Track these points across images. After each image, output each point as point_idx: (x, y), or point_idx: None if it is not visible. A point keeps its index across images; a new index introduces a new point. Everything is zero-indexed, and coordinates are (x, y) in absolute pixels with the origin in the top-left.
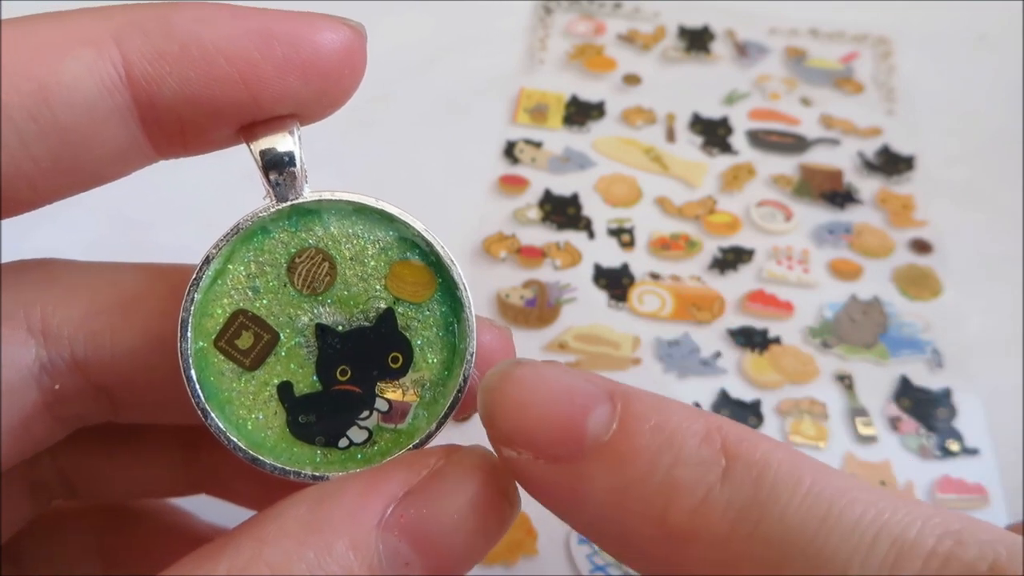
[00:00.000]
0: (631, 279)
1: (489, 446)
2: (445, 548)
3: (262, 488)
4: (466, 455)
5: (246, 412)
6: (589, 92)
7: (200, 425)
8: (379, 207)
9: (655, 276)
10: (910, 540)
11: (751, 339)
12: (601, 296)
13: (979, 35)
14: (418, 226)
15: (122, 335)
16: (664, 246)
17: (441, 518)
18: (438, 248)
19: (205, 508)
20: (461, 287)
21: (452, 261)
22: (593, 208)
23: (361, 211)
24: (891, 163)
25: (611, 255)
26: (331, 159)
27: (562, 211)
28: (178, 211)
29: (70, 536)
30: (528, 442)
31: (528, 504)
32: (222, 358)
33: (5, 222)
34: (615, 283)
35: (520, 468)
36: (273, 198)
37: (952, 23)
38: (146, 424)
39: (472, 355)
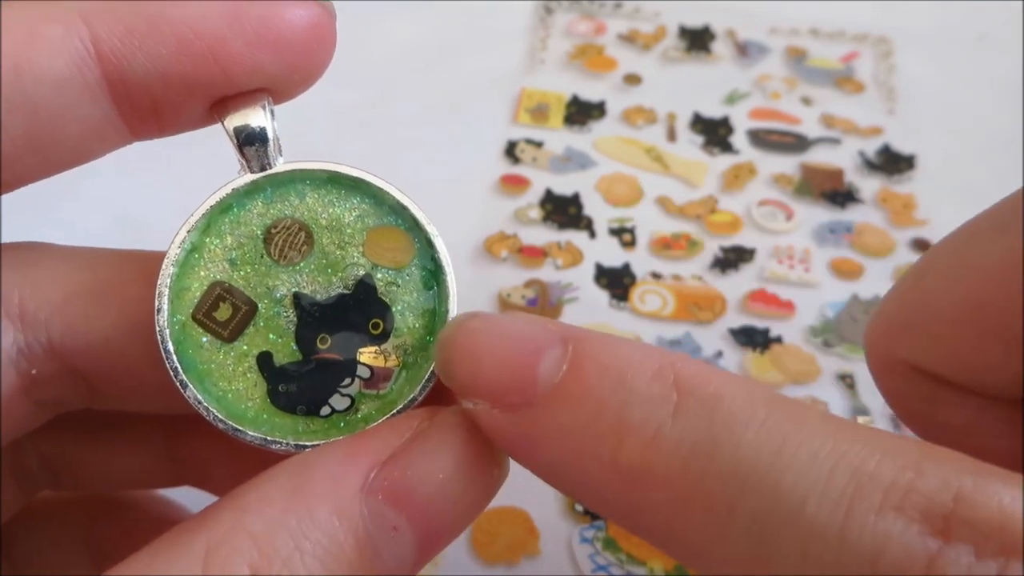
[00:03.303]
0: (632, 279)
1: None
2: (433, 510)
3: (244, 477)
4: (449, 415)
5: (226, 384)
6: (590, 92)
7: (182, 415)
8: (353, 174)
9: (656, 276)
10: (868, 473)
11: (753, 338)
12: (602, 296)
13: (979, 35)
14: (393, 191)
15: (97, 321)
16: (665, 246)
17: (426, 480)
18: (415, 212)
19: (197, 501)
20: (439, 250)
21: (429, 225)
22: (594, 208)
23: (335, 179)
24: (892, 162)
25: (612, 255)
26: (331, 159)
27: (563, 211)
28: (177, 209)
29: (59, 529)
30: (483, 391)
31: (530, 504)
32: (200, 330)
33: (5, 221)
34: (616, 283)
35: (480, 418)
36: (247, 171)
37: (952, 23)
38: (128, 414)
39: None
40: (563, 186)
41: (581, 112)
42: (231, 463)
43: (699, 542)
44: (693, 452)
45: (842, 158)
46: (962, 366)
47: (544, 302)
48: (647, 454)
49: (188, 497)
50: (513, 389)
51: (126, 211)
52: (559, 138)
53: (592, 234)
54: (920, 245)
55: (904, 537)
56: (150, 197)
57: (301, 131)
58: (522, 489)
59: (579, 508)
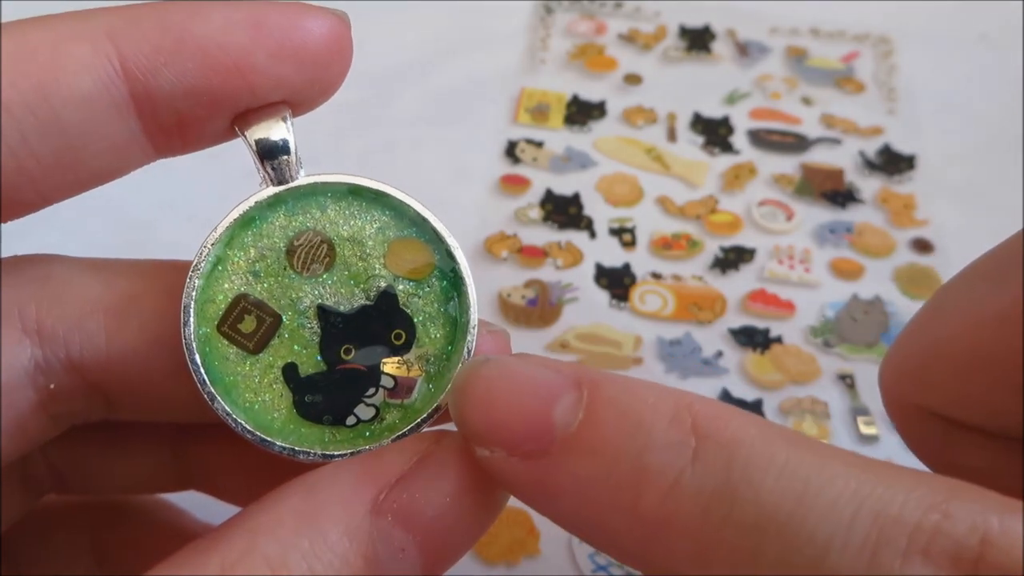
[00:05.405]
0: (632, 279)
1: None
2: (438, 532)
3: (249, 483)
4: (456, 439)
5: (252, 395)
6: (590, 92)
7: (191, 421)
8: (374, 187)
9: (656, 276)
10: (893, 516)
11: (753, 339)
12: (603, 296)
13: (980, 34)
14: (414, 204)
15: (117, 336)
16: (665, 246)
17: (433, 502)
18: (435, 224)
19: (202, 506)
20: (459, 262)
21: (449, 237)
22: (594, 208)
23: (356, 192)
24: (892, 162)
25: (612, 255)
26: (331, 159)
27: (563, 211)
28: (178, 211)
29: (63, 534)
30: (498, 440)
31: None
32: (226, 343)
33: (4, 224)
34: (616, 283)
35: (494, 467)
36: (269, 184)
37: (953, 22)
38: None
39: (474, 328)
40: (563, 186)
41: (581, 112)
42: (237, 468)
43: None
44: (713, 500)
45: (842, 158)
46: (975, 411)
47: (544, 302)
48: (667, 503)
49: (193, 502)
50: (529, 438)
51: (125, 213)
52: (559, 138)
53: (592, 234)
54: (920, 245)
55: None
56: (149, 198)
57: (302, 132)
58: None
59: None
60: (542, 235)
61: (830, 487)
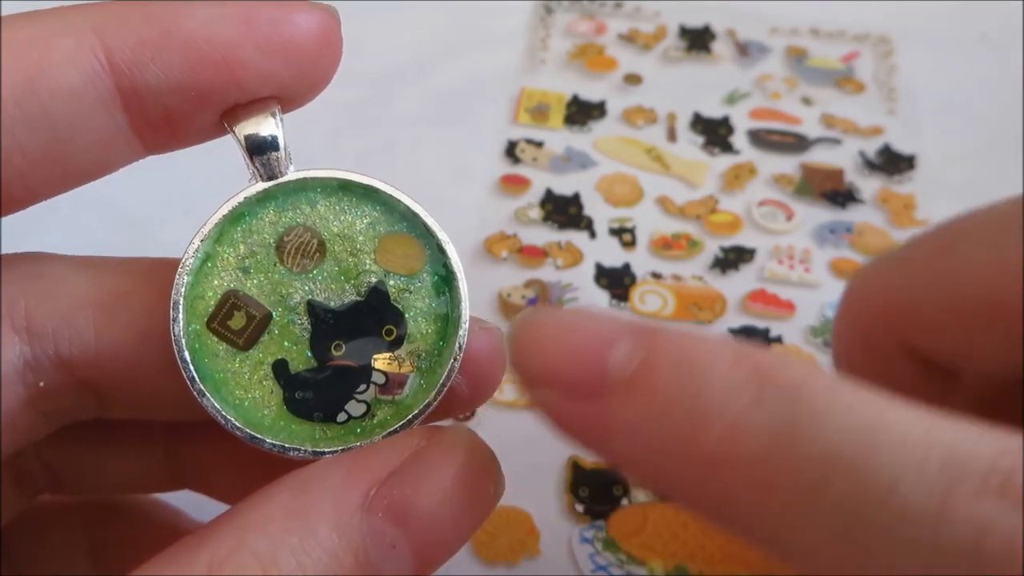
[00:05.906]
0: (632, 279)
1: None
2: (430, 528)
3: (243, 482)
4: (448, 435)
5: (242, 392)
6: (590, 92)
7: (183, 419)
8: (364, 182)
9: (656, 276)
10: (964, 456)
11: (753, 339)
12: (603, 296)
13: (980, 35)
14: (404, 199)
15: (106, 332)
16: (665, 246)
17: (424, 498)
18: (425, 219)
19: (197, 505)
20: (450, 256)
21: (440, 231)
22: (594, 208)
23: (347, 187)
24: (892, 162)
25: (612, 255)
26: (331, 160)
27: (563, 211)
28: (176, 208)
29: (59, 533)
30: (553, 380)
31: (530, 504)
32: (215, 339)
33: (4, 221)
34: (616, 283)
35: (550, 409)
36: (258, 179)
37: (953, 22)
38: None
39: (466, 323)
40: (563, 186)
41: (581, 112)
42: (231, 467)
43: (784, 528)
44: (776, 438)
45: (842, 158)
46: (975, 356)
47: (544, 302)
48: (728, 439)
49: (189, 501)
50: (583, 379)
51: (124, 211)
52: (559, 138)
53: (592, 234)
54: None
55: (1010, 519)
56: (146, 196)
57: (300, 132)
58: (522, 489)
59: (579, 508)
60: (542, 235)
61: (898, 427)
